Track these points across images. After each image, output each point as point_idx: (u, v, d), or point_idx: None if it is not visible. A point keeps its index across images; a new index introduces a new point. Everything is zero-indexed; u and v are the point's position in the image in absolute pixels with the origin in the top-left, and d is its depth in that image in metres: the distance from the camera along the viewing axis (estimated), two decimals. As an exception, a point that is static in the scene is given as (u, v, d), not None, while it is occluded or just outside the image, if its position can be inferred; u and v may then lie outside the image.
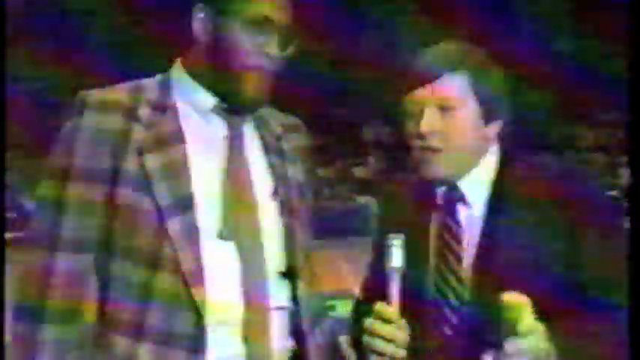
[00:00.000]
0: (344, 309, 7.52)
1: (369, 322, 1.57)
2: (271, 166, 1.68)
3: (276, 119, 1.75)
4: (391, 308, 1.55)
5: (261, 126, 1.71)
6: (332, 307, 7.53)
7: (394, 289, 1.55)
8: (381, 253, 1.64)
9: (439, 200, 1.69)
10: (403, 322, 1.56)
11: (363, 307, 1.69)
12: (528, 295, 1.47)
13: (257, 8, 1.55)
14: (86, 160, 1.54)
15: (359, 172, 16.42)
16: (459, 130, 1.60)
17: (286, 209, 1.67)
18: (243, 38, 1.56)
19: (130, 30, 13.05)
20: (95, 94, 1.58)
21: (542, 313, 1.46)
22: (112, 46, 12.94)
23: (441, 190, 1.68)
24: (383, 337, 1.54)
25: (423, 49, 1.64)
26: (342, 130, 17.31)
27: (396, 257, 1.55)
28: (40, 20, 13.02)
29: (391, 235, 1.57)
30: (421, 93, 1.59)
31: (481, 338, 1.53)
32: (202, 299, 1.51)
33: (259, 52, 1.57)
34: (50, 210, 1.55)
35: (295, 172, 1.73)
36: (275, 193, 1.67)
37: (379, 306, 1.56)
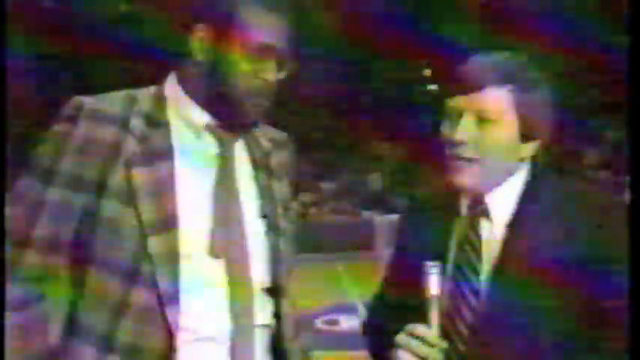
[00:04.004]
0: (347, 323, 7.52)
1: (409, 340, 1.56)
2: (259, 184, 1.67)
3: (265, 135, 1.72)
4: (432, 332, 1.54)
5: (250, 142, 1.68)
6: (334, 322, 7.53)
7: (435, 315, 1.54)
8: (406, 260, 1.65)
9: (463, 211, 1.67)
10: (444, 344, 1.55)
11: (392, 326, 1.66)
12: (537, 312, 1.50)
13: (258, 36, 1.54)
14: (72, 168, 1.51)
15: (364, 186, 16.40)
16: (493, 144, 1.55)
17: (272, 227, 1.66)
18: (242, 63, 1.54)
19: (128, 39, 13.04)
20: (89, 103, 1.54)
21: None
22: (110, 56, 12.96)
23: (466, 201, 1.66)
24: (422, 358, 1.53)
25: (476, 54, 1.61)
26: (349, 143, 17.31)
27: (435, 284, 1.54)
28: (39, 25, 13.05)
29: (429, 263, 1.55)
30: (463, 99, 1.56)
31: (493, 350, 1.53)
32: (175, 318, 1.49)
33: (257, 77, 1.55)
34: (27, 207, 1.52)
35: (281, 188, 1.71)
36: (263, 210, 1.65)
37: (421, 328, 1.55)
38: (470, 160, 1.56)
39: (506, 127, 1.56)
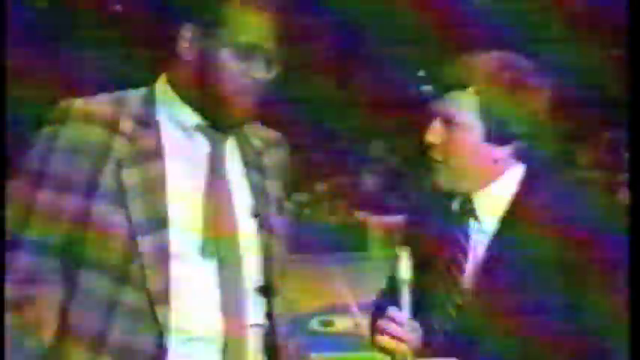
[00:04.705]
0: (342, 325, 7.54)
1: (380, 322, 1.61)
2: (252, 183, 1.68)
3: (257, 134, 1.74)
4: (403, 313, 1.59)
5: (242, 141, 1.70)
6: (330, 324, 7.56)
7: (405, 298, 1.59)
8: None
9: (453, 211, 1.71)
10: (416, 325, 1.60)
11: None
12: (522, 312, 1.52)
13: (246, 35, 1.56)
14: (62, 170, 1.53)
15: (359, 187, 16.42)
16: (458, 146, 1.61)
17: (265, 226, 1.67)
18: (230, 62, 1.57)
19: (117, 42, 13.09)
20: (78, 105, 1.57)
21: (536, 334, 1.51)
22: (99, 56, 13.01)
23: (456, 202, 1.70)
24: (393, 337, 1.58)
25: (445, 62, 1.67)
26: (343, 144, 17.33)
27: (405, 269, 1.59)
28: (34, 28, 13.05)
29: (398, 248, 1.60)
30: (433, 105, 1.65)
31: (475, 348, 1.56)
32: (165, 318, 1.51)
33: (246, 75, 1.57)
34: (17, 210, 1.54)
35: (275, 187, 1.72)
36: (255, 209, 1.66)
37: (392, 310, 1.60)
38: (436, 161, 1.63)
39: (469, 131, 1.59)
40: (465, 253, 1.63)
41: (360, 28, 14.86)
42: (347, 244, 13.07)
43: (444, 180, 1.64)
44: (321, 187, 16.21)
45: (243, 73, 1.57)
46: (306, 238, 12.03)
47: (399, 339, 1.57)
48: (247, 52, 1.56)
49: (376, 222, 12.71)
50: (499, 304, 1.55)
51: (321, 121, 16.16)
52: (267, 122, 1.76)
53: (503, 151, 1.62)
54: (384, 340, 1.59)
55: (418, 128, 1.71)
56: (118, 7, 14.51)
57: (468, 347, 1.56)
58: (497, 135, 1.60)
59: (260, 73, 1.58)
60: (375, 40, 14.96)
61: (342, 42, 15.10)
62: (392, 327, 1.58)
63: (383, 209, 13.38)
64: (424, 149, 1.64)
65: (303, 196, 15.32)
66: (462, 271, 1.62)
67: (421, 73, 17.26)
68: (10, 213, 1.54)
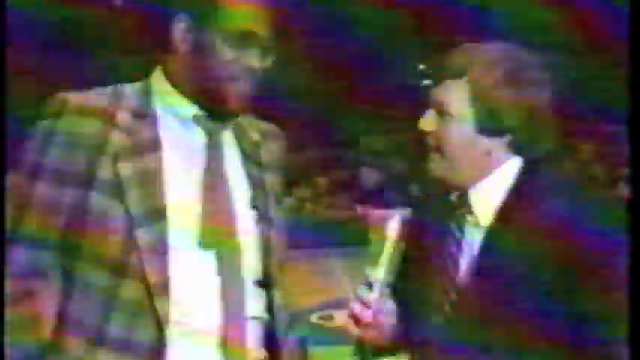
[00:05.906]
0: (342, 319, 7.53)
1: (350, 306, 1.62)
2: (249, 175, 1.69)
3: (254, 127, 1.75)
4: (373, 293, 1.60)
5: (239, 134, 1.71)
6: (330, 318, 7.56)
7: (386, 256, 1.61)
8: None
9: (449, 205, 1.69)
10: (387, 307, 1.60)
11: None
12: (511, 311, 1.52)
13: (239, 23, 1.57)
14: (58, 163, 1.53)
15: (360, 181, 16.44)
16: (450, 136, 1.60)
17: (263, 218, 1.68)
18: (224, 51, 1.57)
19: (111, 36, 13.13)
20: (75, 98, 1.57)
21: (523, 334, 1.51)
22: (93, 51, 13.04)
23: (452, 196, 1.69)
24: (359, 322, 1.59)
25: (442, 52, 1.67)
26: (343, 139, 17.34)
27: (394, 229, 1.61)
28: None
29: (394, 211, 1.62)
30: (430, 94, 1.65)
31: (464, 343, 1.56)
32: (165, 311, 1.52)
33: (240, 64, 1.58)
34: (14, 204, 1.55)
35: (272, 179, 1.73)
36: (253, 202, 1.67)
37: (360, 290, 1.61)
38: (431, 148, 1.63)
39: (460, 120, 1.59)
40: (460, 248, 1.63)
41: (359, 23, 14.86)
42: (347, 238, 13.12)
43: (439, 169, 1.63)
44: (321, 181, 16.23)
45: (237, 61, 1.57)
46: (306, 233, 12.07)
47: (365, 323, 1.56)
48: (241, 41, 1.57)
49: (376, 216, 12.68)
50: (494, 300, 1.54)
51: (322, 116, 16.17)
52: (266, 116, 1.76)
53: (496, 143, 1.61)
54: (350, 325, 1.59)
55: (416, 120, 1.71)
56: (118, 2, 14.50)
57: (459, 343, 1.56)
58: (490, 126, 1.59)
59: (254, 61, 1.58)
60: (375, 34, 14.96)
61: (343, 37, 15.08)
62: (364, 312, 1.57)
63: (383, 203, 13.38)
64: (419, 138, 1.64)
65: (303, 191, 15.33)
66: (457, 266, 1.62)
67: (421, 67, 17.26)
68: (7, 207, 1.54)
